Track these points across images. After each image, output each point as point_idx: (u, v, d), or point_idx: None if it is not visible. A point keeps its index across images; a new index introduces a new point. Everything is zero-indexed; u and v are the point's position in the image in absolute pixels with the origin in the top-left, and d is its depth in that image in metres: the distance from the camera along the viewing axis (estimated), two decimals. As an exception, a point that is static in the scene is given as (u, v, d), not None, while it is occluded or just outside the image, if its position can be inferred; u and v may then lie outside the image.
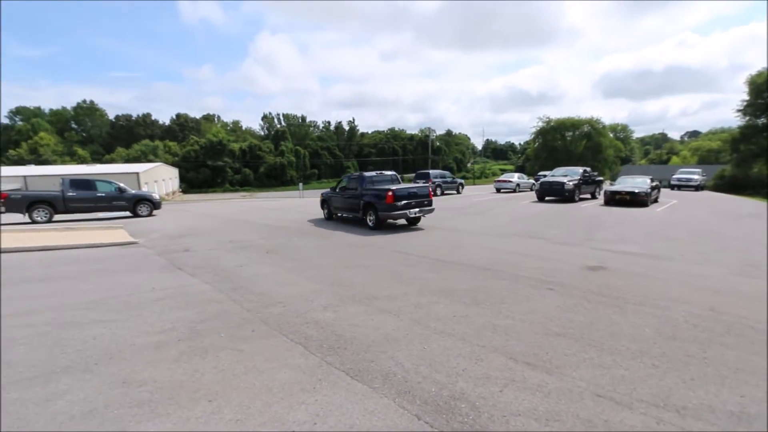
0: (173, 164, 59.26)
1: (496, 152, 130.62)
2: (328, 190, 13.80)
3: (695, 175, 28.92)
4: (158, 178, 45.29)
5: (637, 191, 15.77)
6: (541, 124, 55.31)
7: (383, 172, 12.01)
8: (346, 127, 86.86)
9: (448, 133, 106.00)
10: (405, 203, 10.26)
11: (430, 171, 25.61)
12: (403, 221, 11.40)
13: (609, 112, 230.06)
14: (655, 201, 17.42)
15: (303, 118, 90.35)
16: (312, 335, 3.73)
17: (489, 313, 4.22)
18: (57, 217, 14.03)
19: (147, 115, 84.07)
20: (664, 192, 22.80)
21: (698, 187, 27.87)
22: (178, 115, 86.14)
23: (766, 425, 2.32)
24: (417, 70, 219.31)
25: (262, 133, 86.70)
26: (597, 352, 3.29)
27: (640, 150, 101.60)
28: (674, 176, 29.59)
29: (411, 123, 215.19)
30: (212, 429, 2.36)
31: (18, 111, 78.26)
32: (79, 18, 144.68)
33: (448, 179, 25.90)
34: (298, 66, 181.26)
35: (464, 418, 2.43)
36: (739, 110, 34.01)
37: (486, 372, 2.99)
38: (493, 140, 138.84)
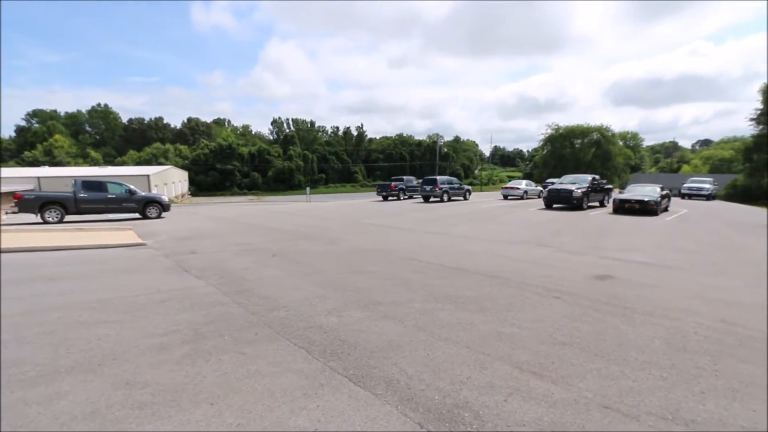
0: (183, 167, 60.09)
1: (504, 159, 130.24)
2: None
3: (707, 184, 28.53)
4: (168, 180, 45.91)
5: (646, 200, 15.58)
6: (549, 131, 55.22)
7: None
8: (355, 133, 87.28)
9: (456, 139, 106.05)
10: None
11: (438, 177, 25.61)
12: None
13: (619, 120, 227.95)
14: (665, 210, 17.18)
15: (312, 123, 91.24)
16: (315, 340, 3.71)
17: (494, 321, 4.17)
18: (69, 218, 14.25)
19: (159, 119, 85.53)
20: (675, 201, 22.47)
21: (710, 197, 27.47)
22: (190, 119, 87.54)
23: (780, 442, 2.25)
24: (426, 76, 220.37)
25: (271, 138, 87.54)
26: (604, 363, 3.23)
27: (650, 158, 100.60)
28: (685, 185, 29.24)
29: (419, 129, 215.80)
30: (213, 432, 2.35)
31: (35, 114, 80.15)
32: (96, 24, 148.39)
33: (456, 185, 25.84)
34: (307, 71, 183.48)
35: (468, 427, 2.39)
36: (752, 119, 33.56)
37: (490, 380, 2.95)
38: (501, 147, 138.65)
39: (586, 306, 4.67)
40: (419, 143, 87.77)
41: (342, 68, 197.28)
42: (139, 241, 9.48)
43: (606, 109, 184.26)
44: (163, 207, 15.92)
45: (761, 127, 33.06)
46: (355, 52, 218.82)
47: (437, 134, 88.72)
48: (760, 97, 32.53)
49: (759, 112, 32.82)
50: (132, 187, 15.56)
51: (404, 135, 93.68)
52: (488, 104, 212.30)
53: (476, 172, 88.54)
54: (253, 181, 64.53)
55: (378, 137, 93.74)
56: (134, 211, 15.21)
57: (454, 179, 27.54)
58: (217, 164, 62.90)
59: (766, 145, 32.73)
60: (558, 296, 5.05)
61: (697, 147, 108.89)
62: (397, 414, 2.54)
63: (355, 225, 13.04)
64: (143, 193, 16.02)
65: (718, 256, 7.93)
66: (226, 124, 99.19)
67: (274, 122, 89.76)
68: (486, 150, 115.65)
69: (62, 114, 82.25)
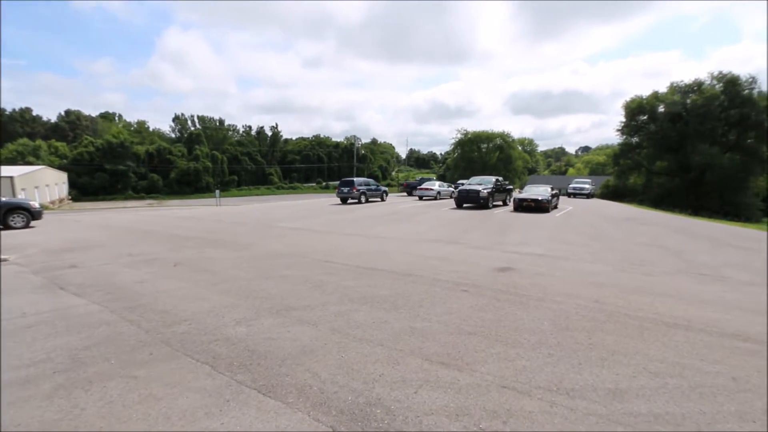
0: (61, 168, 51.49)
1: (420, 161, 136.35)
2: None
3: (587, 184, 33.41)
4: (41, 183, 38.97)
5: (540, 198, 17.59)
6: (459, 136, 59.09)
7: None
8: (269, 133, 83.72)
9: (374, 141, 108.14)
10: None
11: (355, 179, 25.77)
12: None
13: (517, 128, 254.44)
14: (555, 207, 19.60)
15: (221, 121, 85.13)
16: (221, 353, 3.44)
17: (407, 317, 4.31)
18: None
19: (27, 110, 72.18)
20: (563, 199, 25.77)
21: (589, 195, 32.17)
22: (69, 112, 75.35)
23: (639, 399, 2.69)
24: (342, 78, 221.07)
25: (174, 136, 79.57)
26: (503, 347, 3.54)
27: (544, 162, 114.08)
28: (570, 185, 33.88)
29: (336, 131, 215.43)
30: (91, 473, 2.03)
31: None
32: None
33: (373, 187, 26.27)
34: (212, 65, 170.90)
35: (379, 423, 2.42)
36: (618, 130, 39.98)
37: (402, 375, 3.03)
38: (417, 150, 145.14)
39: (489, 296, 5.08)
40: (337, 145, 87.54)
41: (253, 65, 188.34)
42: (-2, 255, 7.86)
43: (506, 117, 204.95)
44: (32, 215, 13.41)
45: (625, 137, 39.61)
46: (266, 48, 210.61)
47: (355, 136, 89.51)
48: (623, 112, 38.99)
49: (622, 124, 39.27)
50: (-12, 191, 12.84)
51: (321, 136, 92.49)
52: (403, 108, 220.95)
53: (393, 173, 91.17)
54: (152, 183, 57.92)
55: (294, 138, 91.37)
56: (-9, 221, 12.55)
57: (372, 181, 27.99)
58: (106, 164, 55.12)
59: (629, 152, 39.33)
60: (465, 289, 5.42)
61: (580, 152, 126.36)
62: (309, 420, 2.47)
63: (268, 229, 12.48)
64: (4, 199, 13.33)
65: (594, 245, 9.28)
66: (116, 118, 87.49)
67: (177, 119, 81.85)
68: (402, 152, 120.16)
69: None
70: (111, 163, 55.34)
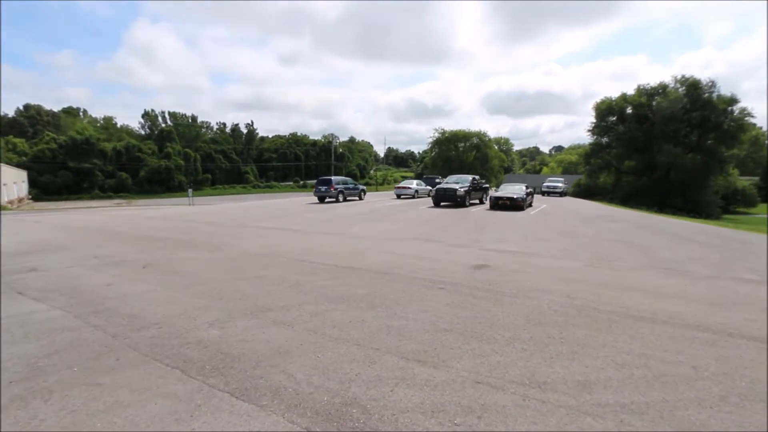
0: (20, 165, 48.73)
1: (398, 160, 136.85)
2: None
3: (560, 183, 34.46)
4: (-3, 182, 36.72)
5: (515, 197, 17.98)
6: (437, 135, 59.72)
7: None
8: (244, 130, 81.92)
9: (352, 140, 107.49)
10: None
11: (333, 177, 25.57)
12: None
13: (494, 127, 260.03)
14: (530, 205, 20.09)
15: (193, 118, 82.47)
16: (192, 357, 3.34)
17: (384, 316, 4.32)
18: None
19: (-20, 105, 67.87)
20: (537, 198, 26.42)
21: (562, 194, 33.18)
22: (28, 107, 71.46)
23: (606, 390, 2.78)
24: (319, 76, 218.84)
25: (143, 133, 76.56)
26: (478, 343, 3.59)
27: (519, 161, 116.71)
28: (544, 184, 34.85)
29: (314, 129, 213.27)
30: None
31: None
32: None
33: (351, 185, 26.16)
34: (184, 60, 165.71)
35: (355, 423, 2.41)
36: (589, 130, 41.33)
37: (378, 374, 3.03)
38: (395, 148, 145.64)
39: (465, 294, 5.15)
40: (314, 143, 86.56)
41: (227, 61, 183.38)
42: (-51, 259, 7.36)
43: (483, 117, 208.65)
44: (-11, 215, 12.65)
45: (595, 137, 41.01)
46: (240, 44, 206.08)
47: (332, 134, 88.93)
48: (593, 113, 40.35)
49: (593, 125, 40.64)
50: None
51: (299, 134, 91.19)
52: (381, 107, 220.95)
53: (371, 172, 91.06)
54: (120, 182, 55.59)
55: (271, 136, 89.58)
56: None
57: (350, 179, 27.86)
58: (70, 162, 52.53)
59: (599, 152, 40.73)
60: (442, 287, 5.47)
61: (553, 152, 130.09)
62: (283, 422, 2.43)
63: (243, 229, 12.22)
64: (-44, 198, 12.50)
65: (566, 242, 9.56)
66: (80, 114, 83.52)
67: (146, 115, 78.74)
68: (381, 151, 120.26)
69: None
70: (75, 160, 52.77)
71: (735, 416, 2.49)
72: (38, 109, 71.77)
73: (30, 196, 48.03)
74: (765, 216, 39.04)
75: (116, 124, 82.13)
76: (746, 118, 33.29)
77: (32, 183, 49.57)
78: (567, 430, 2.35)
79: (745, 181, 50.69)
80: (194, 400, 2.69)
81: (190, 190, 35.24)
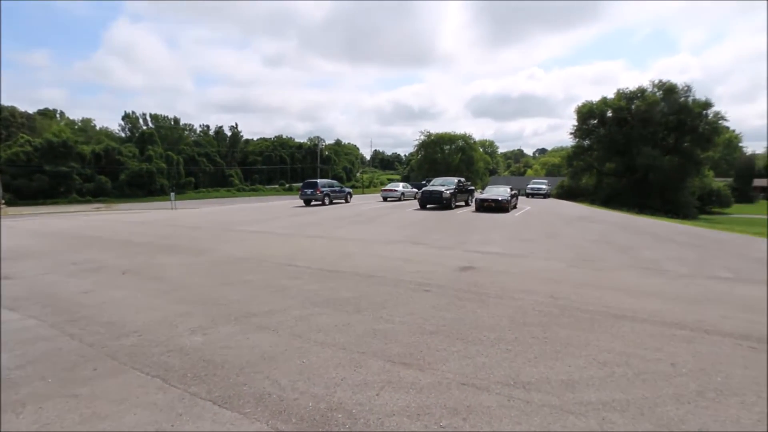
0: (-6, 169, 47.00)
1: (384, 162, 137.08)
2: None
3: (543, 185, 35.09)
4: (-31, 186, 35.31)
5: (500, 199, 18.19)
6: (422, 137, 60.06)
7: None
8: (228, 133, 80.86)
9: (338, 142, 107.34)
10: None
11: (319, 180, 25.44)
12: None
13: (479, 130, 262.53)
14: (515, 207, 20.35)
15: (176, 120, 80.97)
16: (174, 365, 3.26)
17: (370, 319, 4.30)
18: None
19: (-51, 106, 65.35)
20: (521, 199, 26.80)
21: (546, 195, 33.80)
22: (0, 108, 68.93)
23: (591, 389, 2.83)
24: (304, 78, 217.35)
25: (123, 135, 74.78)
26: (463, 345, 3.61)
27: (504, 163, 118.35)
28: (528, 186, 35.42)
29: (299, 131, 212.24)
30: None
31: None
32: None
33: (337, 188, 26.07)
34: (166, 61, 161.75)
35: (340, 428, 2.39)
36: (571, 133, 42.17)
37: (364, 378, 3.01)
38: (381, 151, 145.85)
39: (450, 296, 5.17)
40: (300, 146, 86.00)
41: (210, 62, 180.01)
42: None
43: (468, 120, 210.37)
44: (-41, 221, 12.14)
45: (577, 140, 41.88)
46: (224, 45, 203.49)
47: (318, 137, 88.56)
48: (575, 116, 41.22)
49: (575, 127, 41.48)
50: None
51: (284, 137, 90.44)
52: (367, 109, 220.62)
53: (358, 175, 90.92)
54: (99, 185, 54.05)
55: (255, 138, 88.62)
56: None
57: (336, 182, 27.77)
58: (46, 165, 50.89)
59: (581, 154, 41.59)
60: (428, 289, 5.48)
61: (537, 154, 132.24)
62: (267, 429, 2.39)
63: (227, 233, 12.04)
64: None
65: (549, 243, 9.71)
66: (57, 116, 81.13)
67: (127, 117, 76.97)
68: (367, 153, 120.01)
69: None
70: (52, 164, 51.14)
71: (711, 411, 2.56)
72: (12, 111, 69.39)
73: (3, 201, 46.33)
74: (739, 216, 40.51)
75: (95, 126, 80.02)
76: (720, 122, 34.49)
77: (5, 187, 47.80)
78: (551, 429, 2.38)
79: (719, 183, 52.45)
80: (175, 410, 2.62)
81: (172, 194, 34.53)
